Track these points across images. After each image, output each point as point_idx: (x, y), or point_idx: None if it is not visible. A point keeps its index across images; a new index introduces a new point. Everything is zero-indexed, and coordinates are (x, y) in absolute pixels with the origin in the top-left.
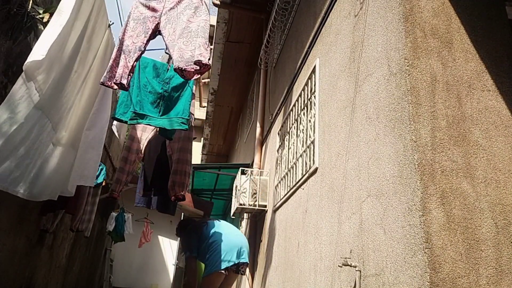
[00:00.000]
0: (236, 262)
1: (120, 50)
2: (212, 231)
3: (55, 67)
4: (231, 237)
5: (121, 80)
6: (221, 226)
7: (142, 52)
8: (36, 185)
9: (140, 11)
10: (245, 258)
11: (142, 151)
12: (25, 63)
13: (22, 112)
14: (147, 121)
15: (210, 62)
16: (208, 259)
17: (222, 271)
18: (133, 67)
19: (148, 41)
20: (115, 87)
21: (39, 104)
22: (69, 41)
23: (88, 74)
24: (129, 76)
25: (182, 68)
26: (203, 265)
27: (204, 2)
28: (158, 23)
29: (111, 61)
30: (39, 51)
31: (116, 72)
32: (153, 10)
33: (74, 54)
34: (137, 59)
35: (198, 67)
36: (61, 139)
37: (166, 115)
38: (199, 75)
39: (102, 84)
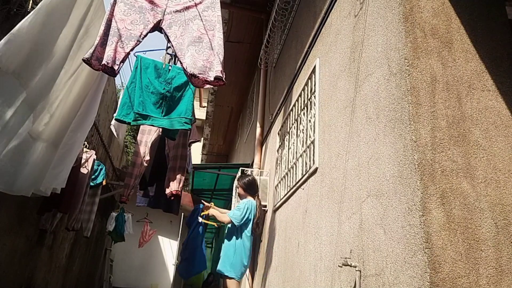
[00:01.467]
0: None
1: (107, 30)
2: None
3: (44, 62)
4: None
5: (113, 65)
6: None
7: (139, 43)
8: (16, 179)
9: None
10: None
11: (148, 154)
12: None
13: (5, 105)
14: (150, 121)
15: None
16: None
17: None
18: (127, 55)
19: (147, 34)
20: (97, 67)
21: (24, 98)
22: (60, 38)
23: (77, 72)
24: (122, 64)
25: (195, 74)
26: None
27: (218, 19)
28: (161, 20)
29: (98, 39)
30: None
31: (102, 53)
32: (153, 3)
33: (65, 51)
34: (132, 48)
35: (211, 79)
36: (41, 134)
37: (169, 115)
38: (207, 86)
39: (87, 61)
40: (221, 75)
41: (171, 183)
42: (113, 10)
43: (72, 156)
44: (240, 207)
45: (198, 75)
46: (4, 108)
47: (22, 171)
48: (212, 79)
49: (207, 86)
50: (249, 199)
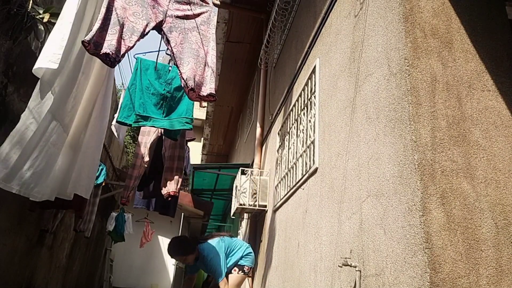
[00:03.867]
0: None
1: (108, 15)
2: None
3: (66, 70)
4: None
5: (116, 56)
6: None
7: (141, 38)
8: (39, 186)
9: None
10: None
11: (147, 155)
12: (34, 69)
13: (38, 118)
14: (151, 123)
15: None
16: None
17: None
18: (129, 49)
19: (149, 31)
20: (92, 51)
21: (52, 108)
22: (77, 43)
23: (89, 75)
24: (122, 58)
25: (193, 88)
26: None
27: (213, 37)
28: (162, 21)
29: (98, 22)
30: (51, 59)
31: (102, 39)
32: (155, 0)
33: (81, 55)
34: (135, 43)
35: (204, 94)
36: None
37: (169, 115)
38: (199, 100)
39: (86, 43)
40: (214, 93)
41: (168, 184)
42: None
43: (94, 162)
44: (215, 264)
45: (195, 88)
46: (33, 118)
47: (44, 177)
48: (205, 94)
49: (198, 100)
50: (204, 252)
